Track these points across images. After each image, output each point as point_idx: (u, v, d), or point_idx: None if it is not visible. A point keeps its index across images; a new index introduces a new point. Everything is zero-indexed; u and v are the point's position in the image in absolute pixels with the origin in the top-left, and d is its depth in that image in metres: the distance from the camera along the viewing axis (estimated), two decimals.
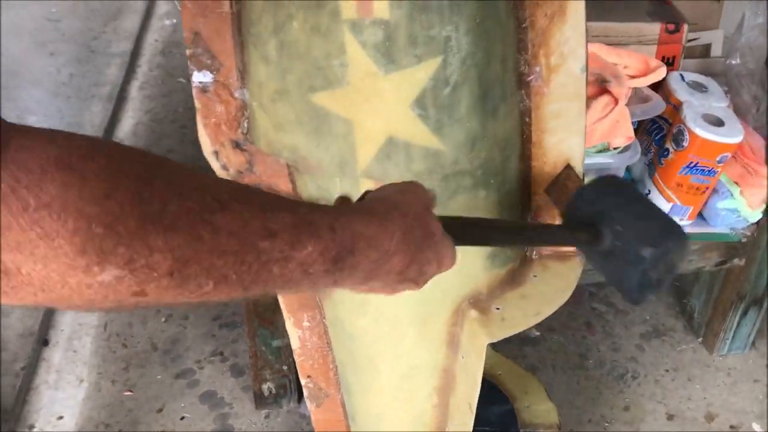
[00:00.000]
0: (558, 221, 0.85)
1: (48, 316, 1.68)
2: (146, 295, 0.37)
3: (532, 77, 0.75)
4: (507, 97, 0.75)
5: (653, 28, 1.31)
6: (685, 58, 1.36)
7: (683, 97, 1.25)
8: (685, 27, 1.31)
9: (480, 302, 0.83)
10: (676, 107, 1.25)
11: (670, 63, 1.32)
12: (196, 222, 0.38)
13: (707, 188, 1.25)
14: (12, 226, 0.32)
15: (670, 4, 1.36)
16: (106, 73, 2.48)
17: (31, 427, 1.46)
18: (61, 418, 1.47)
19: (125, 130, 2.31)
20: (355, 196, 0.73)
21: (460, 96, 0.71)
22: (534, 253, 0.88)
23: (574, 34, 0.72)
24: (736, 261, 1.31)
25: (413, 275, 0.55)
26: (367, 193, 0.61)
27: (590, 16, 1.37)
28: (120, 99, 2.39)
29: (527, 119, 0.77)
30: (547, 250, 0.87)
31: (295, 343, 1.01)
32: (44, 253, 0.33)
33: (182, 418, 1.50)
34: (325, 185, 0.80)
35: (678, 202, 1.27)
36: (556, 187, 0.82)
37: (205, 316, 1.72)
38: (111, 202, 0.34)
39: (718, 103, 1.24)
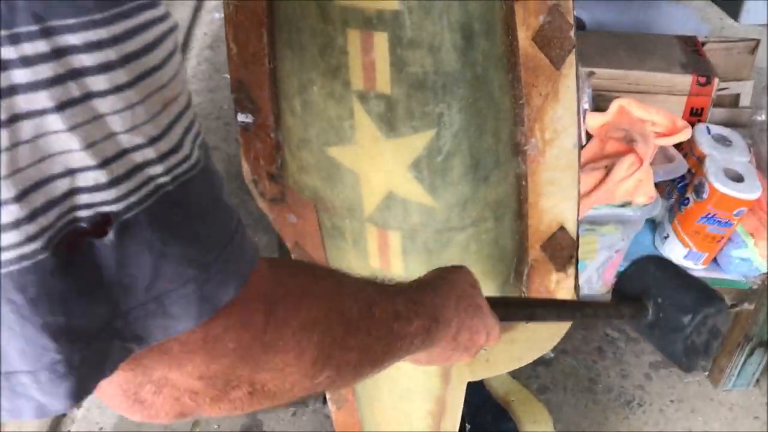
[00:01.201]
0: (553, 275, 0.97)
1: None
2: (336, 382, 0.48)
3: (528, 147, 0.87)
4: (500, 164, 0.87)
5: (685, 80, 1.44)
6: (714, 106, 1.50)
7: (707, 150, 1.39)
8: (716, 81, 1.44)
9: None
10: (700, 159, 1.40)
11: (698, 114, 1.46)
12: (367, 320, 0.51)
13: (723, 238, 1.40)
14: (272, 348, 0.41)
15: (703, 56, 1.49)
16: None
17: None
18: (101, 428, 1.64)
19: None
20: (361, 239, 0.92)
21: (452, 164, 0.83)
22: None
23: (566, 114, 0.83)
24: (746, 305, 1.45)
25: (465, 342, 0.66)
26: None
27: (624, 65, 1.53)
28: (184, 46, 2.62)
29: (524, 183, 0.90)
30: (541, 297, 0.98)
31: None
32: (291, 370, 0.43)
33: None
34: (338, 224, 0.95)
35: (694, 248, 1.42)
36: (551, 246, 0.94)
37: None
38: (331, 321, 0.46)
39: (740, 158, 1.39)
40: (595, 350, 1.81)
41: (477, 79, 0.79)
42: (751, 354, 1.58)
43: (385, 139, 0.82)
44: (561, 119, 0.84)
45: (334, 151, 0.87)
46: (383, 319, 0.53)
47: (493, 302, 0.72)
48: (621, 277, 0.89)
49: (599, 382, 1.74)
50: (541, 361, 1.77)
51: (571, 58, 0.79)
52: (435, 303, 0.62)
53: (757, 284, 1.41)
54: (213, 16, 3.09)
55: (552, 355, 1.78)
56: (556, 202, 0.91)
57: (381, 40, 0.75)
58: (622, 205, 1.26)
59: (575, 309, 0.86)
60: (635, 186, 1.21)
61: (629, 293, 0.85)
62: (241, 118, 0.94)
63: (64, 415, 1.63)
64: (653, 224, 1.52)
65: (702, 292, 0.83)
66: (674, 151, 1.33)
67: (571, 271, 0.96)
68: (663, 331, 0.82)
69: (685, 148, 1.44)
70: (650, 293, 0.83)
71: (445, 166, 0.83)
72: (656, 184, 1.50)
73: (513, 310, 0.78)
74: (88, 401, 1.64)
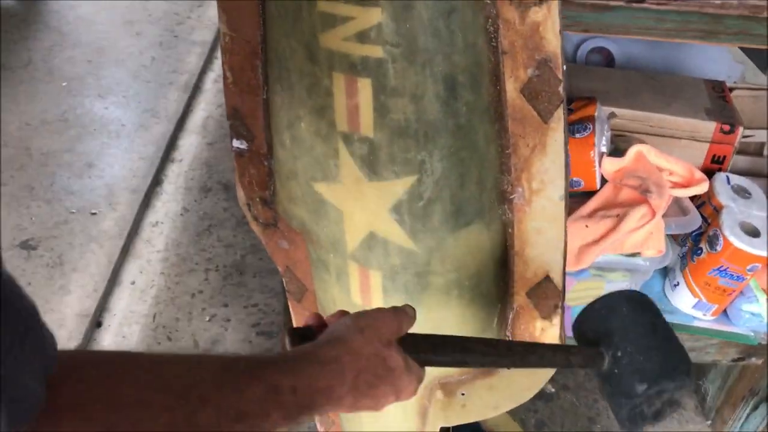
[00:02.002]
0: (538, 323, 0.98)
1: (104, 300, 2.01)
2: None
3: (514, 196, 0.89)
4: (484, 212, 0.89)
5: (708, 127, 1.43)
6: (737, 153, 1.52)
7: (725, 201, 1.40)
8: (741, 129, 1.46)
9: (449, 384, 0.99)
10: (717, 210, 1.41)
11: (720, 162, 1.48)
12: (180, 429, 0.49)
13: (734, 291, 1.42)
14: None
15: (730, 102, 1.51)
16: (185, 61, 2.81)
17: None
18: None
19: (195, 123, 2.62)
20: (344, 275, 0.93)
21: (433, 210, 0.86)
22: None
23: (553, 166, 0.85)
24: (753, 360, 1.47)
25: (366, 406, 0.66)
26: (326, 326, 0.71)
27: (647, 107, 1.55)
28: (195, 89, 2.70)
29: (510, 230, 0.91)
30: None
31: None
32: None
33: None
34: (323, 257, 0.99)
35: (704, 299, 1.44)
36: (536, 294, 0.95)
37: (244, 321, 2.02)
38: None
39: (758, 212, 1.39)
40: (597, 389, 1.84)
41: (460, 129, 0.81)
42: (755, 408, 1.60)
43: (368, 181, 0.85)
44: (548, 171, 0.86)
45: (320, 187, 0.91)
46: (214, 423, 0.51)
47: (415, 342, 0.70)
48: (587, 310, 0.81)
49: (598, 422, 1.76)
50: (541, 396, 1.80)
51: (559, 113, 0.81)
52: (315, 389, 0.60)
53: (766, 340, 1.44)
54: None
55: (553, 390, 1.81)
56: (542, 251, 0.93)
57: (365, 86, 0.78)
58: (632, 255, 1.29)
59: (521, 352, 0.78)
60: (645, 238, 1.23)
61: (588, 333, 0.79)
62: (236, 144, 0.99)
63: None
64: (664, 270, 1.54)
65: (668, 359, 0.76)
66: (689, 204, 1.34)
67: (556, 320, 0.99)
68: (614, 388, 0.76)
69: (703, 197, 1.46)
70: (611, 341, 0.76)
71: (425, 211, 0.86)
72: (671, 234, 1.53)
73: (444, 353, 0.74)
74: None
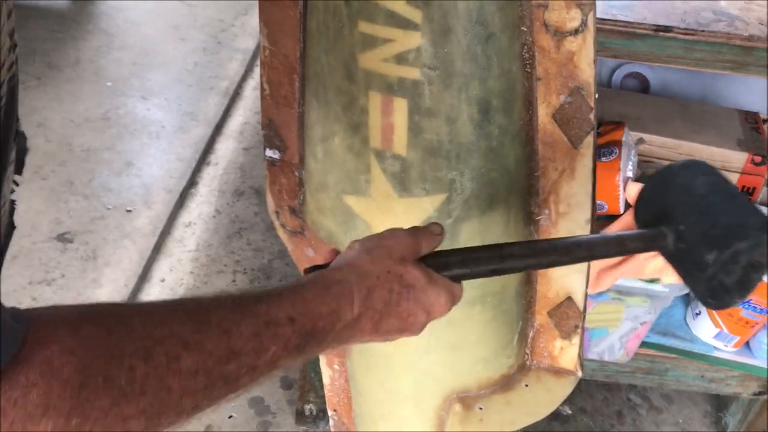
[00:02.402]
0: (557, 342, 0.99)
1: (134, 295, 2.01)
2: None
3: (541, 217, 0.90)
4: (510, 232, 0.90)
5: (739, 157, 1.44)
6: None
7: None
8: None
9: (467, 398, 1.00)
10: None
11: (750, 193, 1.48)
12: (163, 376, 0.46)
13: (757, 323, 1.42)
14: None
15: (763, 133, 1.51)
16: (227, 67, 2.88)
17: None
18: None
19: (233, 128, 2.68)
20: None
21: (461, 228, 0.87)
22: (534, 362, 1.02)
23: (581, 191, 0.86)
24: None
25: (397, 327, 0.62)
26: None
27: (678, 134, 1.55)
28: (235, 95, 2.76)
29: None
30: (544, 361, 1.02)
31: (326, 380, 1.25)
32: None
33: (230, 417, 1.83)
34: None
35: (725, 330, 1.44)
36: (557, 314, 0.97)
37: None
38: (85, 393, 0.43)
39: None
40: (614, 413, 1.83)
41: (491, 151, 0.83)
42: None
43: (398, 197, 0.88)
44: (576, 195, 0.87)
45: (350, 200, 0.93)
46: (201, 368, 0.48)
47: (444, 260, 0.66)
48: (642, 194, 0.75)
49: None
50: (557, 417, 1.81)
51: (590, 139, 0.83)
52: (317, 313, 0.56)
53: None
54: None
55: (569, 412, 1.81)
56: (565, 272, 0.94)
57: (400, 106, 0.81)
58: (651, 281, 1.29)
59: (564, 251, 0.71)
60: (665, 265, 1.24)
61: (650, 217, 0.71)
62: (269, 153, 1.01)
63: None
64: (686, 298, 1.54)
65: (736, 219, 0.66)
66: None
67: (575, 340, 0.99)
68: (686, 266, 0.69)
69: None
70: (672, 216, 0.68)
71: (453, 229, 0.88)
72: None
73: (477, 264, 0.68)
74: None
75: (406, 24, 0.76)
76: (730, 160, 1.49)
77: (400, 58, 0.78)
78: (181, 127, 2.56)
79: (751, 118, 1.56)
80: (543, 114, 0.82)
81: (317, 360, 1.62)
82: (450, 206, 0.87)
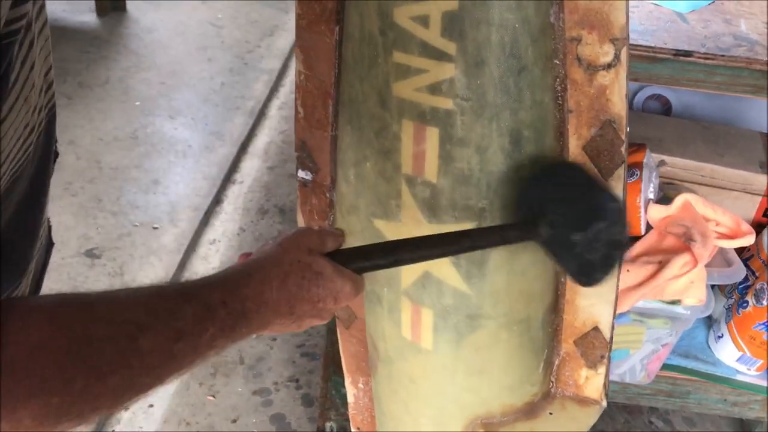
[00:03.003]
0: (583, 371, 0.98)
1: None
2: (89, 420, 0.52)
3: None
4: (538, 261, 0.89)
5: (761, 180, 1.44)
6: None
7: None
8: None
9: (492, 425, 1.00)
10: (766, 264, 1.41)
11: None
12: (127, 356, 0.52)
13: None
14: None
15: None
16: (253, 87, 2.92)
17: (126, 408, 1.84)
18: (151, 406, 1.83)
19: (258, 147, 2.72)
20: (396, 309, 0.95)
21: (489, 256, 0.88)
22: (559, 390, 1.02)
23: None
24: None
25: (309, 312, 0.70)
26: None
27: (700, 156, 1.55)
28: (260, 115, 2.80)
29: (563, 279, 0.93)
30: (569, 390, 1.01)
31: (350, 398, 1.26)
32: (26, 423, 0.48)
33: None
34: (377, 291, 1.01)
35: (748, 353, 1.42)
36: (584, 343, 0.97)
37: (289, 341, 2.07)
38: (64, 375, 0.49)
39: None
40: None
41: (521, 181, 0.83)
42: None
43: (428, 223, 0.88)
44: None
45: (380, 224, 0.94)
46: (155, 348, 0.55)
47: (347, 255, 0.74)
48: (528, 188, 0.82)
49: None
50: None
51: (620, 171, 0.83)
52: (244, 295, 0.63)
53: None
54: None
55: None
56: (593, 302, 0.94)
57: (432, 134, 0.82)
58: (672, 303, 1.29)
59: (450, 242, 0.79)
60: (686, 286, 1.24)
61: (527, 207, 0.81)
62: (301, 174, 1.03)
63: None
64: (709, 320, 1.53)
65: (593, 203, 0.77)
66: (734, 255, 1.34)
67: (601, 369, 0.99)
68: (557, 250, 0.79)
69: (752, 250, 1.45)
70: (545, 210, 0.78)
71: (481, 258, 0.88)
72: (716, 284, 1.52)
73: (376, 257, 0.77)
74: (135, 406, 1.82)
75: (440, 55, 0.77)
76: (752, 183, 1.48)
77: (434, 89, 0.80)
78: (207, 146, 2.60)
79: None
80: (574, 145, 0.83)
81: (340, 378, 1.64)
82: None
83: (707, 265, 1.26)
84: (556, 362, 1.02)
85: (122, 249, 2.19)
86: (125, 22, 3.22)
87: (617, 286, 0.94)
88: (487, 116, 0.80)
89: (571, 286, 0.95)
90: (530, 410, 1.03)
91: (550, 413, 1.03)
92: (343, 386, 1.66)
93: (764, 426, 1.69)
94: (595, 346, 0.98)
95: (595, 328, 0.97)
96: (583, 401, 1.03)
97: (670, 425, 1.84)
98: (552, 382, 1.04)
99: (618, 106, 0.79)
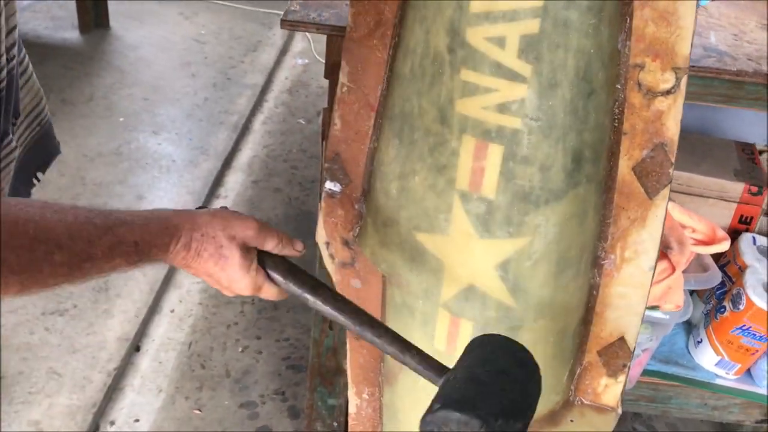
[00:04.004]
0: (603, 380, 1.00)
1: (144, 326, 2.04)
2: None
3: (606, 261, 0.93)
4: (579, 275, 0.92)
5: (736, 188, 1.46)
6: (765, 215, 1.53)
7: (749, 261, 1.43)
8: None
9: None
10: (741, 269, 1.43)
11: (747, 222, 1.50)
12: (38, 264, 0.66)
13: (757, 351, 1.43)
14: None
15: (759, 164, 1.54)
16: (236, 102, 2.92)
17: (112, 423, 1.77)
18: (137, 421, 1.78)
19: (242, 162, 2.69)
20: (431, 321, 0.96)
21: (538, 271, 0.89)
22: (577, 398, 1.04)
23: (649, 238, 0.90)
24: None
25: (196, 272, 0.80)
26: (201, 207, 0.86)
27: (677, 165, 1.58)
28: (244, 130, 2.79)
29: (595, 292, 0.95)
30: (587, 398, 1.03)
31: (352, 409, 1.25)
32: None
33: None
34: (410, 303, 1.01)
35: (726, 358, 1.45)
36: (608, 353, 0.99)
37: (276, 354, 2.06)
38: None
39: None
40: None
41: (576, 198, 0.86)
42: None
43: (479, 237, 0.89)
44: (644, 243, 0.91)
45: (423, 237, 0.94)
46: (66, 262, 0.67)
47: (274, 261, 0.82)
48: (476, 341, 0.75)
49: None
50: None
51: (666, 192, 0.87)
52: (154, 243, 0.75)
53: None
54: (296, 61, 3.31)
55: None
56: (622, 314, 0.97)
57: (495, 152, 0.83)
58: (652, 308, 1.32)
59: (361, 322, 0.81)
60: (663, 292, 1.26)
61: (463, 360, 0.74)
62: (330, 185, 1.04)
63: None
64: (689, 326, 1.56)
65: (475, 397, 0.69)
66: (710, 261, 1.37)
67: (621, 378, 1.01)
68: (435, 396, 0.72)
69: (729, 256, 1.48)
70: (457, 365, 0.73)
71: (531, 272, 0.90)
72: (694, 290, 1.55)
73: (294, 279, 0.83)
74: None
75: (513, 76, 0.79)
76: (727, 191, 1.52)
77: (503, 108, 0.81)
78: (191, 161, 2.60)
79: (747, 149, 1.59)
80: (624, 165, 0.86)
81: (325, 389, 1.65)
82: (531, 249, 0.89)
83: (684, 271, 1.29)
84: (578, 371, 1.04)
85: None
86: (108, 38, 3.21)
87: (647, 296, 0.97)
88: (554, 136, 0.82)
89: (602, 299, 0.98)
90: (552, 418, 1.05)
91: (571, 420, 1.05)
92: (330, 397, 1.66)
93: (744, 430, 1.71)
94: (618, 356, 1.01)
95: (621, 339, 1.00)
96: (600, 409, 1.05)
97: (653, 430, 1.86)
98: (571, 390, 1.06)
99: (672, 130, 0.83)
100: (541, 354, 0.96)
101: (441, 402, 0.70)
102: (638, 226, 0.90)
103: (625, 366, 1.01)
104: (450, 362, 0.98)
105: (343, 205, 1.06)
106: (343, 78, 0.97)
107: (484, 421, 0.67)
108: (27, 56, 1.00)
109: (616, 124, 0.84)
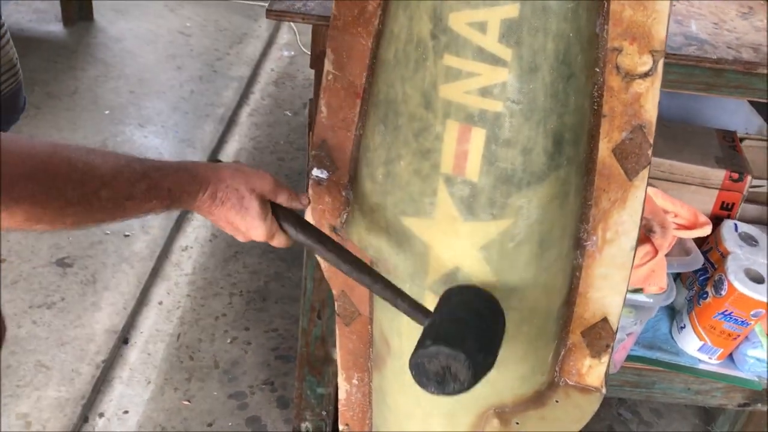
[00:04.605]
0: (587, 360, 1.03)
1: (132, 318, 2.04)
2: (54, 227, 0.74)
3: (588, 243, 0.95)
4: (562, 256, 0.94)
5: (718, 174, 1.48)
6: (749, 202, 1.55)
7: (731, 247, 1.45)
8: (749, 178, 1.50)
9: (504, 414, 1.03)
10: (723, 255, 1.45)
11: (728, 209, 1.52)
12: (88, 198, 0.74)
13: (739, 336, 1.45)
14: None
15: (740, 151, 1.56)
16: (222, 95, 2.92)
17: (101, 415, 1.78)
18: (126, 412, 1.80)
19: (228, 154, 2.70)
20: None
21: (521, 252, 0.91)
22: (562, 379, 1.05)
23: (629, 219, 0.91)
24: (759, 405, 1.49)
25: (220, 221, 0.90)
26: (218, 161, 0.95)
27: (660, 153, 1.60)
28: (230, 122, 2.79)
29: (578, 274, 0.97)
30: (572, 379, 1.05)
31: (342, 395, 1.26)
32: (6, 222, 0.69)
33: None
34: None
35: (709, 342, 1.47)
36: (591, 334, 1.00)
37: (264, 345, 2.06)
38: (46, 198, 0.71)
39: (764, 259, 1.44)
40: (605, 428, 1.86)
41: (558, 180, 0.88)
42: None
43: (463, 220, 0.91)
44: (624, 224, 0.93)
45: (409, 221, 0.96)
46: (111, 197, 0.76)
47: (285, 213, 0.92)
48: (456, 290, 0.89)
49: None
50: None
51: (645, 173, 0.89)
52: (184, 190, 0.84)
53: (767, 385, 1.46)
54: (282, 53, 3.30)
55: None
56: (605, 294, 0.99)
57: (478, 135, 0.85)
58: (635, 291, 1.33)
59: (361, 270, 0.93)
60: (647, 275, 1.28)
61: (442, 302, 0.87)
62: (316, 173, 1.06)
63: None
64: (672, 312, 1.58)
65: (458, 332, 0.82)
66: (692, 245, 1.39)
67: (605, 359, 1.03)
68: (419, 339, 0.85)
69: (711, 242, 1.50)
70: (439, 308, 0.87)
71: (514, 253, 0.91)
72: (679, 274, 1.57)
73: (304, 230, 0.95)
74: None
75: (494, 60, 0.81)
76: (709, 177, 1.53)
77: (485, 91, 0.82)
78: (177, 154, 2.59)
79: (728, 137, 1.61)
80: (603, 148, 0.88)
81: (314, 378, 1.66)
82: (514, 230, 0.91)
83: (667, 255, 1.31)
84: (562, 352, 1.06)
85: (94, 257, 2.18)
86: (92, 31, 3.19)
87: (629, 277, 0.99)
88: (536, 119, 0.83)
89: (585, 280, 1.00)
90: (538, 399, 1.06)
91: (557, 401, 1.06)
92: (319, 386, 1.67)
93: (727, 415, 1.74)
94: (601, 336, 1.02)
95: (604, 319, 1.01)
96: (585, 389, 1.07)
97: (638, 416, 1.89)
98: (556, 371, 1.08)
99: (650, 112, 0.84)
100: (525, 335, 1.00)
101: (432, 338, 0.81)
102: (619, 207, 0.92)
103: (608, 346, 1.03)
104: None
105: (330, 192, 1.07)
106: (328, 66, 0.98)
107: (469, 355, 0.79)
108: (5, 24, 1.16)
109: (596, 107, 0.85)
